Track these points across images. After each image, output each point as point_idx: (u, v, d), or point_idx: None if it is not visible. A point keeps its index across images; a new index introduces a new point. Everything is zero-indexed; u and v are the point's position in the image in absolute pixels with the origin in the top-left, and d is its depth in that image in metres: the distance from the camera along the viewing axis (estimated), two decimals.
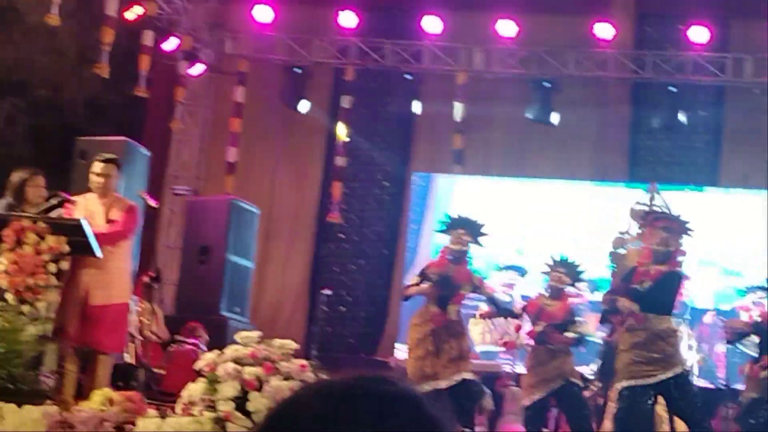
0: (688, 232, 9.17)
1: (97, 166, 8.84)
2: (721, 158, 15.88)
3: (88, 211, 8.68)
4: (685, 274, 9.57)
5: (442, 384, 9.61)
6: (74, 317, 8.40)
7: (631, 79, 15.80)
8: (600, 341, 11.66)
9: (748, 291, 12.15)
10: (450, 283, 9.94)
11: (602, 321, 10.77)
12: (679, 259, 9.18)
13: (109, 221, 8.73)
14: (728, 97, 15.79)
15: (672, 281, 9.05)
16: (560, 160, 16.14)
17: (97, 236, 8.43)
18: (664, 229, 9.07)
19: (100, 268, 8.53)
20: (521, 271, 15.15)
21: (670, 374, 8.73)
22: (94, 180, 8.80)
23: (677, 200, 14.69)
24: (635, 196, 13.80)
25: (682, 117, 15.03)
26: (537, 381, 10.07)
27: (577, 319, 10.42)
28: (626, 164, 16.01)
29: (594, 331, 12.43)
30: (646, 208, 10.51)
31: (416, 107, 15.74)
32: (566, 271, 10.42)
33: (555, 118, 15.27)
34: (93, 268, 8.50)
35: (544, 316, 10.17)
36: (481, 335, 15.00)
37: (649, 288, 8.87)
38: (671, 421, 9.38)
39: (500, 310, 10.80)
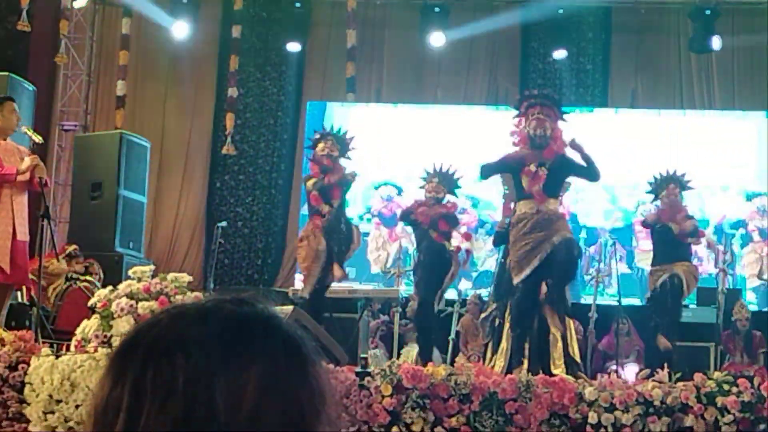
0: (564, 118, 9.07)
1: (11, 106, 8.76)
2: (610, 79, 16.10)
3: (8, 152, 8.59)
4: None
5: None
6: (4, 253, 8.37)
7: (520, 2, 15.86)
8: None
9: (640, 205, 12.39)
10: (325, 185, 9.73)
11: (495, 243, 10.87)
12: (562, 143, 8.81)
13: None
14: (615, 17, 15.95)
15: (563, 165, 8.82)
16: (454, 86, 16.20)
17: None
18: (540, 113, 8.79)
19: (23, 207, 8.54)
20: (398, 188, 15.40)
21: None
22: (13, 120, 8.70)
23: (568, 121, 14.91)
24: None
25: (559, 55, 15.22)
26: None
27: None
28: (517, 87, 16.11)
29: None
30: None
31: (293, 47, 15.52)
32: (442, 180, 10.44)
33: (439, 40, 15.31)
34: (18, 206, 8.49)
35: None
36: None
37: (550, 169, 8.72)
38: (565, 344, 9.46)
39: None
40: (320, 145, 9.92)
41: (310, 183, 9.84)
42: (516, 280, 8.72)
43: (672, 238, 10.17)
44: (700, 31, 15.14)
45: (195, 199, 16.43)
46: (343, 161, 9.99)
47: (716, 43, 15.08)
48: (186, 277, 7.84)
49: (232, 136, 15.59)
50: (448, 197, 10.51)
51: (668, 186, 10.38)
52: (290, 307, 8.26)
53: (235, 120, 15.70)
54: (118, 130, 13.87)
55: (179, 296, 7.65)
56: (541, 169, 8.63)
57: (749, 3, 15.16)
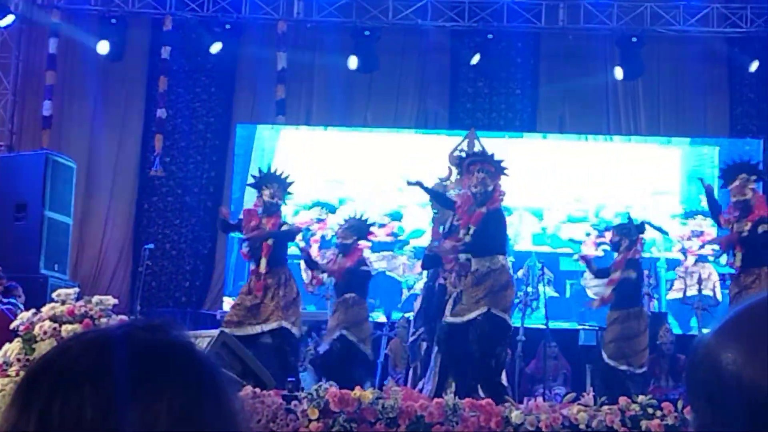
0: (505, 172, 9.18)
1: None
2: (539, 104, 16.23)
3: None
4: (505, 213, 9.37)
5: (258, 329, 9.37)
6: None
7: (449, 27, 15.95)
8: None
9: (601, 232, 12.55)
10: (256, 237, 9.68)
11: (424, 267, 10.90)
12: (500, 198, 9.06)
13: None
14: (543, 43, 16.11)
15: (496, 220, 8.95)
16: (383, 109, 16.23)
17: None
18: (480, 171, 9.07)
19: None
20: (330, 208, 15.38)
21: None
22: None
23: (496, 147, 15.01)
24: (455, 143, 14.02)
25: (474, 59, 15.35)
26: None
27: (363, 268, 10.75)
28: (447, 112, 16.20)
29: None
30: (464, 154, 10.57)
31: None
32: (352, 227, 10.80)
33: (353, 63, 15.38)
34: None
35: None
36: None
37: (474, 232, 8.81)
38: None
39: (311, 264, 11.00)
40: (266, 192, 9.84)
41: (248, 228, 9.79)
42: (445, 316, 8.82)
43: None
44: (626, 57, 15.36)
45: (122, 220, 16.27)
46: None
47: (618, 73, 15.38)
48: (111, 300, 7.74)
49: (161, 157, 15.48)
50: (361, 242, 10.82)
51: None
52: (216, 331, 8.19)
53: (164, 141, 15.60)
54: (44, 151, 13.71)
55: (104, 319, 7.55)
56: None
57: (675, 30, 15.39)
